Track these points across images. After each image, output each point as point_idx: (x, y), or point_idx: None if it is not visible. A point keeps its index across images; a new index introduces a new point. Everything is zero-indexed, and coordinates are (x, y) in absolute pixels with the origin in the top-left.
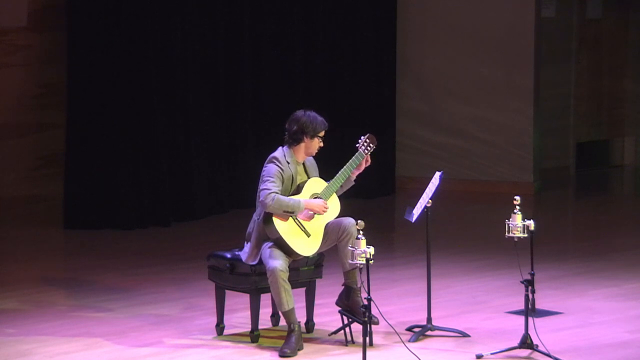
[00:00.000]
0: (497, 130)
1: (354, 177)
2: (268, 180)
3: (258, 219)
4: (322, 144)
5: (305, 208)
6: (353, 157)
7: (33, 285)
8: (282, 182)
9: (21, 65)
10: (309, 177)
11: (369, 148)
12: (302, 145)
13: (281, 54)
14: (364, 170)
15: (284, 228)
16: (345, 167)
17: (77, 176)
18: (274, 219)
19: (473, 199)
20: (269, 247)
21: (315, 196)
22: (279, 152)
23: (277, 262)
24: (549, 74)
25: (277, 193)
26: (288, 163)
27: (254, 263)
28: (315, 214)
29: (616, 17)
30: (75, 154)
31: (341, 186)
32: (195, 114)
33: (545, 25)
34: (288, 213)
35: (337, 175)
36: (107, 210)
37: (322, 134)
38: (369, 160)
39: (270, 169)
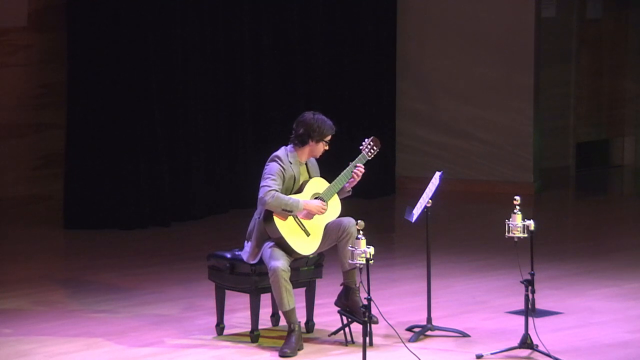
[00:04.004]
0: (497, 130)
1: (349, 187)
2: (269, 177)
3: (259, 217)
4: (327, 148)
5: (304, 208)
6: (356, 159)
7: (33, 285)
8: (283, 181)
9: (21, 65)
10: (310, 177)
11: (372, 151)
12: (307, 148)
13: (281, 54)
14: (365, 172)
15: (284, 226)
16: (347, 168)
17: (77, 176)
18: (275, 217)
19: (473, 199)
20: (270, 247)
21: (317, 196)
22: (281, 152)
23: (279, 262)
24: (549, 74)
25: (276, 191)
26: (291, 163)
27: (254, 262)
28: (313, 214)
29: (616, 17)
30: (75, 154)
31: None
32: (195, 113)
33: (545, 25)
34: (286, 212)
35: (339, 176)
36: (107, 210)
37: (328, 138)
38: (360, 174)
39: (272, 167)
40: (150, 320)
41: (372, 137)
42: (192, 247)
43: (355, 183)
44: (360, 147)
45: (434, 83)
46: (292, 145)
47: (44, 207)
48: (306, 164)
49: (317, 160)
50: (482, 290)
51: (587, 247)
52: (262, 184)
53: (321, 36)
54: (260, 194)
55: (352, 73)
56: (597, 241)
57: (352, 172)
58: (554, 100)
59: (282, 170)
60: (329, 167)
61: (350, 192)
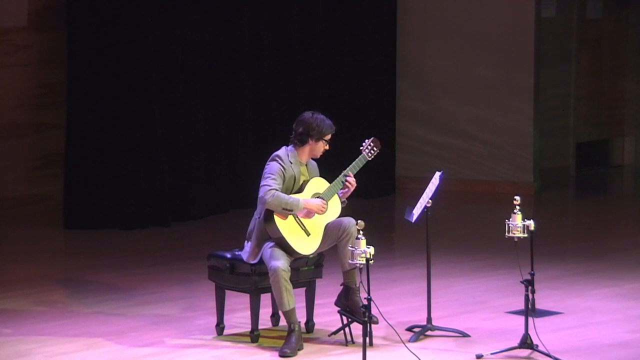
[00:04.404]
0: (497, 130)
1: (343, 198)
2: (269, 177)
3: (259, 217)
4: (327, 147)
5: (304, 207)
6: (356, 160)
7: (33, 285)
8: (284, 181)
9: (21, 65)
10: (310, 178)
11: (372, 152)
12: (307, 147)
13: (281, 54)
14: (363, 171)
15: (285, 226)
16: (347, 168)
17: (77, 176)
18: (275, 217)
19: (473, 199)
20: (270, 247)
21: (317, 196)
22: (282, 152)
23: (279, 262)
24: (549, 74)
25: (276, 190)
26: (291, 163)
27: (254, 262)
28: (314, 213)
29: (616, 17)
30: (75, 154)
31: None
32: (195, 113)
33: (545, 25)
34: (287, 211)
35: (340, 176)
36: (107, 210)
37: (328, 137)
38: (354, 183)
39: (272, 166)
40: (150, 320)
41: (372, 138)
42: (192, 247)
43: (349, 194)
44: (361, 148)
45: (434, 83)
46: (292, 146)
47: (44, 207)
48: (306, 164)
49: (318, 159)
50: (482, 290)
51: (587, 247)
52: (262, 183)
53: (321, 36)
54: (261, 193)
55: (352, 73)
56: (597, 241)
57: (354, 172)
58: (554, 100)
59: (283, 169)
60: (329, 167)
61: (345, 203)
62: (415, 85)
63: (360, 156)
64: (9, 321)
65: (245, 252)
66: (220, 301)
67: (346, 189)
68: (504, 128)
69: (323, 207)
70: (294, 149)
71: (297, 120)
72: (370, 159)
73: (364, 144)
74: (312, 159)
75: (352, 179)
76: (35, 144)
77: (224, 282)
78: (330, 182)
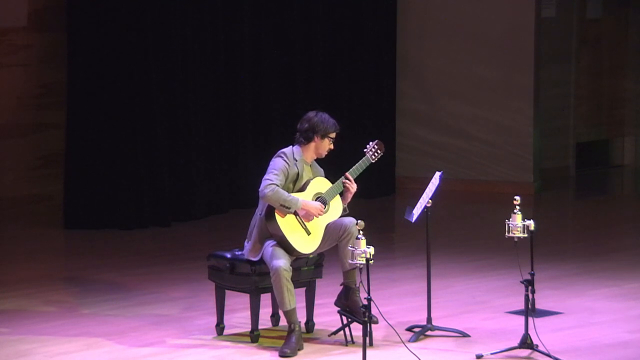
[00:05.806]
0: (497, 130)
1: (344, 204)
2: (272, 172)
3: (260, 214)
4: (332, 147)
5: (303, 208)
6: (359, 162)
7: (33, 285)
8: (286, 178)
9: (21, 65)
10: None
11: (376, 154)
12: (313, 144)
13: (281, 54)
14: (363, 172)
15: (286, 224)
16: (351, 170)
17: (77, 176)
18: (276, 214)
19: (473, 199)
20: (272, 246)
21: (319, 196)
22: (288, 149)
23: (281, 261)
24: (549, 74)
25: (277, 186)
26: (296, 161)
27: (255, 259)
28: (312, 216)
29: (616, 17)
30: (75, 154)
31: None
32: (195, 114)
33: (545, 25)
34: (284, 208)
35: (342, 177)
36: (107, 210)
37: (333, 135)
38: (354, 185)
39: (277, 162)
40: (150, 320)
41: (376, 141)
42: (192, 247)
43: (349, 198)
44: (365, 150)
45: (434, 83)
46: (297, 144)
47: (44, 207)
48: (311, 165)
49: (320, 160)
50: (482, 290)
51: (587, 247)
52: (264, 177)
53: (321, 36)
54: (261, 187)
55: (352, 73)
56: (597, 241)
57: (357, 173)
58: (554, 100)
59: (287, 166)
60: (330, 168)
61: (347, 211)
62: (415, 85)
63: (363, 158)
64: (8, 321)
65: (246, 250)
66: (220, 301)
67: (347, 191)
68: (504, 128)
69: (321, 211)
70: (299, 148)
71: (301, 119)
72: (373, 161)
73: (367, 146)
74: (317, 161)
75: (350, 182)
76: (35, 144)
77: (224, 282)
78: (332, 183)
